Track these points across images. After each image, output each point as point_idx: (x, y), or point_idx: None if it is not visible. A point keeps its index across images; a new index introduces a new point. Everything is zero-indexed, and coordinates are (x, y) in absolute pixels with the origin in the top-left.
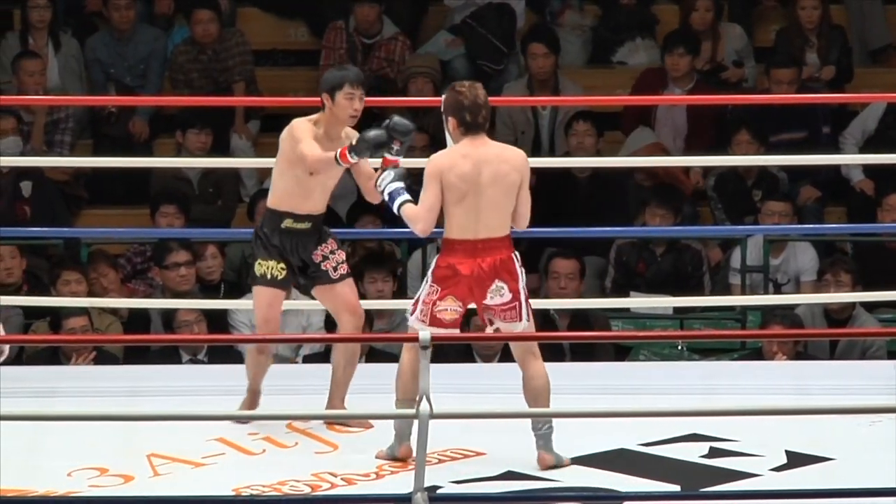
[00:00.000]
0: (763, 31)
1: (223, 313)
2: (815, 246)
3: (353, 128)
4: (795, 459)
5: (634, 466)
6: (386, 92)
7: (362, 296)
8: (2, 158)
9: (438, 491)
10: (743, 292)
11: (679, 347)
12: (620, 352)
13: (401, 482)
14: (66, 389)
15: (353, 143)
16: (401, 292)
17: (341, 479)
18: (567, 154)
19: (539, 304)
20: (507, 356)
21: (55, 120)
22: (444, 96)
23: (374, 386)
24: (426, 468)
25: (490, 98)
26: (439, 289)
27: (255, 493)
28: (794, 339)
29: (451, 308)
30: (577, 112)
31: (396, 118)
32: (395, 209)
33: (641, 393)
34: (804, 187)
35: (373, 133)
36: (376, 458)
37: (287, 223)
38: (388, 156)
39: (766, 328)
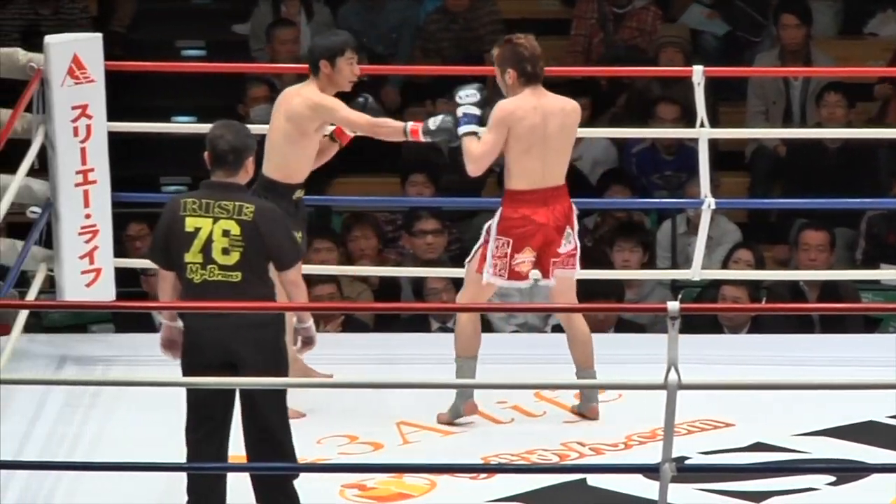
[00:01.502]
0: None
1: None
2: None
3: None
4: None
5: (883, 438)
6: (637, 62)
7: (609, 265)
8: (255, 126)
9: (686, 461)
10: None
11: None
12: (870, 324)
13: (649, 452)
14: (317, 357)
15: (433, 127)
16: (650, 263)
17: (589, 448)
18: (818, 125)
19: (789, 275)
20: (756, 328)
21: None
22: (497, 50)
23: (621, 356)
24: (674, 439)
25: (742, 68)
26: (512, 241)
27: (503, 461)
28: None
29: (527, 259)
30: (828, 83)
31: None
32: (459, 131)
33: (891, 365)
34: None
35: (452, 122)
36: (438, 422)
37: (298, 194)
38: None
39: None
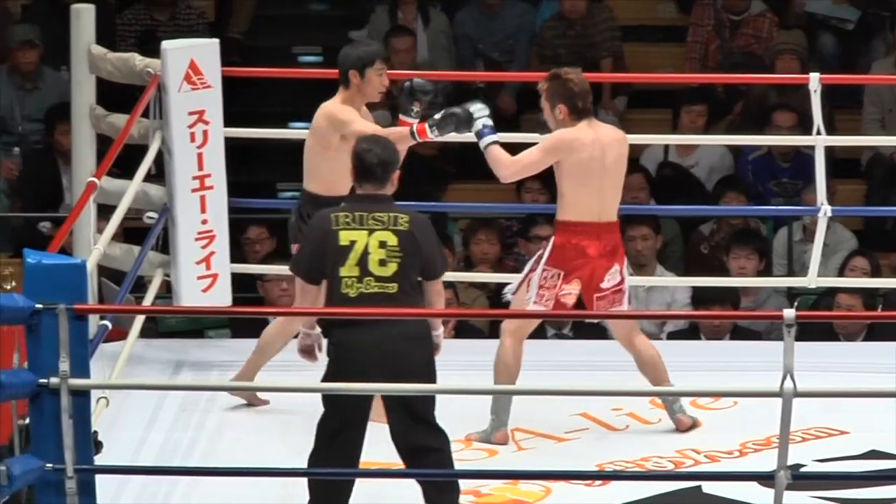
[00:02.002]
0: None
1: None
2: None
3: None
4: None
5: None
6: (753, 69)
7: (726, 272)
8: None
9: (801, 469)
10: None
11: None
12: None
13: (764, 460)
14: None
15: (438, 118)
16: (767, 270)
17: (704, 455)
18: None
19: None
20: (871, 335)
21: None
22: (546, 84)
23: (737, 363)
24: (789, 446)
25: (859, 76)
26: (562, 272)
27: (618, 468)
28: None
29: (573, 291)
30: None
31: (417, 80)
32: (483, 143)
33: None
34: None
35: (460, 110)
36: (468, 439)
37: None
38: (404, 117)
39: None
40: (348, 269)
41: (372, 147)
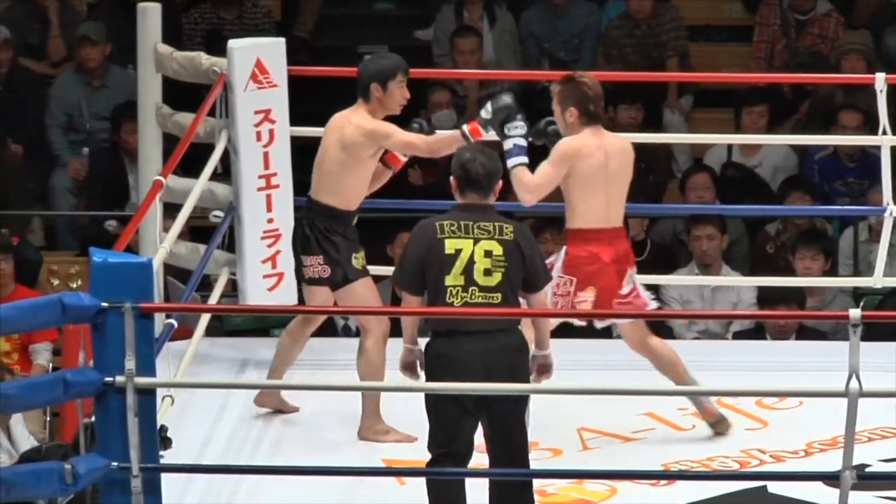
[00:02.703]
0: None
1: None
2: None
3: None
4: None
5: None
6: (819, 68)
7: (791, 272)
8: (439, 132)
9: (867, 469)
10: None
11: None
12: None
13: (829, 459)
14: None
15: (487, 115)
16: (832, 270)
17: (770, 455)
18: None
19: None
20: None
21: (490, 94)
22: (559, 87)
23: (803, 363)
24: (855, 446)
25: None
26: (576, 279)
27: (683, 468)
28: None
29: (589, 299)
30: None
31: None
32: (510, 163)
33: None
34: None
35: (506, 102)
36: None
37: (354, 221)
38: (482, 130)
39: None
40: (453, 278)
41: (476, 156)
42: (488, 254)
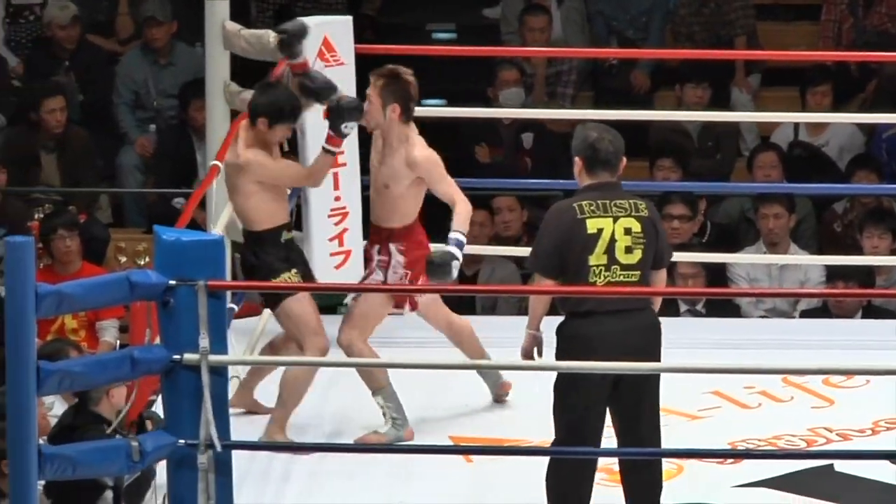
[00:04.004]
0: None
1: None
2: None
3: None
4: None
5: None
6: (886, 47)
7: (859, 251)
8: (504, 110)
9: None
10: None
11: None
12: None
13: None
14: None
15: (337, 119)
16: None
17: (836, 434)
18: None
19: None
20: None
21: (557, 72)
22: (382, 80)
23: (869, 341)
24: None
25: None
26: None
27: (750, 446)
28: None
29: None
30: None
31: (346, 99)
32: (460, 245)
33: None
34: None
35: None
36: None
37: (286, 236)
38: (334, 136)
39: None
40: (597, 258)
41: (603, 135)
42: (628, 231)
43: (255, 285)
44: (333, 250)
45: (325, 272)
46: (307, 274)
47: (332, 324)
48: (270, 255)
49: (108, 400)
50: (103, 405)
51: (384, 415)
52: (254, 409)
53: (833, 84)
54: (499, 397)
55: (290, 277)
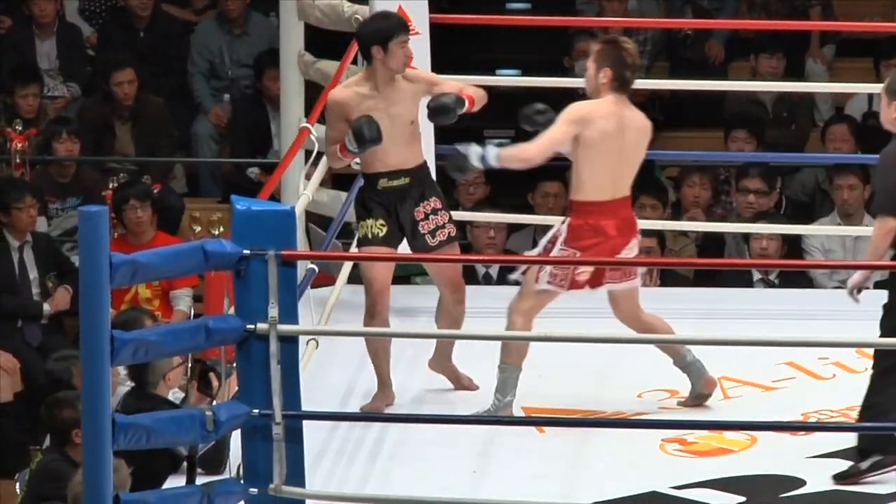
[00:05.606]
0: None
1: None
2: None
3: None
4: None
5: None
6: None
7: None
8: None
9: None
10: None
11: None
12: None
13: None
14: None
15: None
16: None
17: None
18: None
19: None
20: None
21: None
22: (599, 45)
23: None
24: None
25: None
26: (578, 252)
27: (823, 417)
28: None
29: (588, 269)
30: None
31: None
32: (493, 162)
33: None
34: None
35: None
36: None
37: (382, 183)
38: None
39: None
40: None
41: None
42: None
43: (326, 255)
44: None
45: None
46: (390, 223)
47: (405, 293)
48: (362, 198)
49: (164, 384)
50: (161, 389)
51: (496, 389)
52: (453, 375)
53: None
54: (700, 395)
55: (364, 226)
